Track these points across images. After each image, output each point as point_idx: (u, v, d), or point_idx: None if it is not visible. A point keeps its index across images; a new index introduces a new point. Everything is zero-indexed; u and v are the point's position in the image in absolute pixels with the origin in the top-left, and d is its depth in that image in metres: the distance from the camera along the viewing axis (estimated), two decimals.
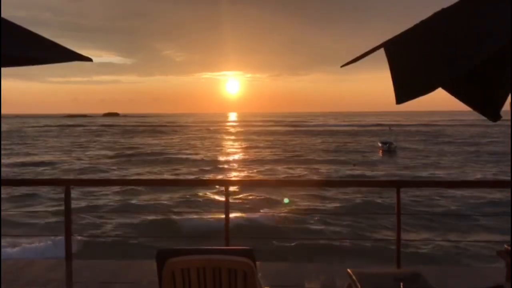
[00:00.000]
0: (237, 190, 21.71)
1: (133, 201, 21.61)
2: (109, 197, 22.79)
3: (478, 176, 31.67)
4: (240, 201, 21.05)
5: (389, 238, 13.13)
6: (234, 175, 34.38)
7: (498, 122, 3.40)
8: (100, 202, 22.02)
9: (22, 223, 17.07)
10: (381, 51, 2.44)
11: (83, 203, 20.95)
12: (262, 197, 21.80)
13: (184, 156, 45.82)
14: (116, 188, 23.42)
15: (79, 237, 13.36)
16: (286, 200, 20.29)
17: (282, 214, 18.37)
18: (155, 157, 44.91)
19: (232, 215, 5.17)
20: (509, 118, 3.27)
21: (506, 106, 3.25)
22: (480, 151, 47.78)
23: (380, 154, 47.41)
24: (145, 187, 23.46)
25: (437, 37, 2.34)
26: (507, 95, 3.19)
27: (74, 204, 5.24)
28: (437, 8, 2.40)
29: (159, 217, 18.17)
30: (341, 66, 2.87)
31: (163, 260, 2.77)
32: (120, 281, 4.94)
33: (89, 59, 2.95)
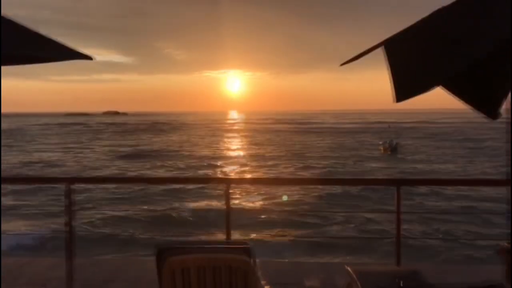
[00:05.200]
0: (237, 186, 21.73)
1: (132, 195, 21.61)
2: (108, 191, 22.82)
3: (478, 173, 31.70)
4: (240, 196, 21.10)
5: (389, 236, 13.13)
6: (235, 173, 34.40)
7: (498, 120, 3.40)
8: (99, 195, 22.07)
9: (22, 221, 17.10)
10: (381, 49, 2.45)
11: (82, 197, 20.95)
12: (262, 192, 21.81)
13: (185, 154, 45.84)
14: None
15: (79, 235, 13.34)
16: (284, 198, 20.29)
17: (281, 211, 18.38)
18: (156, 155, 44.94)
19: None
20: (509, 116, 3.27)
21: (506, 105, 3.25)
22: (480, 148, 47.81)
23: (381, 151, 47.42)
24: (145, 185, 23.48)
25: (436, 35, 2.34)
26: (507, 94, 3.19)
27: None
28: (437, 6, 2.40)
29: (160, 208, 18.21)
30: (341, 65, 2.87)
31: (162, 258, 2.78)
32: (121, 279, 4.95)
33: (90, 58, 2.95)
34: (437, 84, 2.47)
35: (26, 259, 6.16)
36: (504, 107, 3.26)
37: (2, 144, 52.62)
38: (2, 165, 34.95)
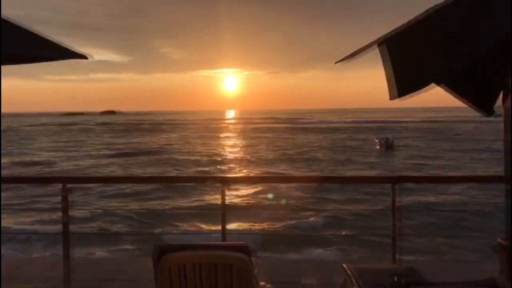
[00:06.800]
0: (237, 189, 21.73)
1: (129, 207, 21.47)
2: (106, 200, 22.72)
3: (475, 171, 31.76)
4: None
5: (384, 234, 13.14)
6: (233, 173, 34.38)
7: (495, 118, 3.42)
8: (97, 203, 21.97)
9: (21, 223, 17.07)
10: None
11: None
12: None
13: (183, 154, 45.78)
14: (115, 191, 23.32)
15: (77, 236, 13.32)
16: (270, 196, 20.29)
17: (276, 211, 18.37)
18: (154, 155, 44.86)
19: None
20: (508, 114, 3.29)
21: (500, 101, 3.27)
22: (478, 147, 47.89)
23: (378, 150, 47.51)
24: (143, 185, 23.40)
25: (431, 33, 2.35)
26: (500, 90, 3.20)
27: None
28: (432, 4, 2.41)
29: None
30: (335, 63, 2.88)
31: (159, 256, 2.79)
32: (119, 278, 4.95)
33: (85, 57, 2.95)
34: (432, 82, 2.48)
35: (24, 258, 6.17)
36: (502, 105, 3.28)
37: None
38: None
